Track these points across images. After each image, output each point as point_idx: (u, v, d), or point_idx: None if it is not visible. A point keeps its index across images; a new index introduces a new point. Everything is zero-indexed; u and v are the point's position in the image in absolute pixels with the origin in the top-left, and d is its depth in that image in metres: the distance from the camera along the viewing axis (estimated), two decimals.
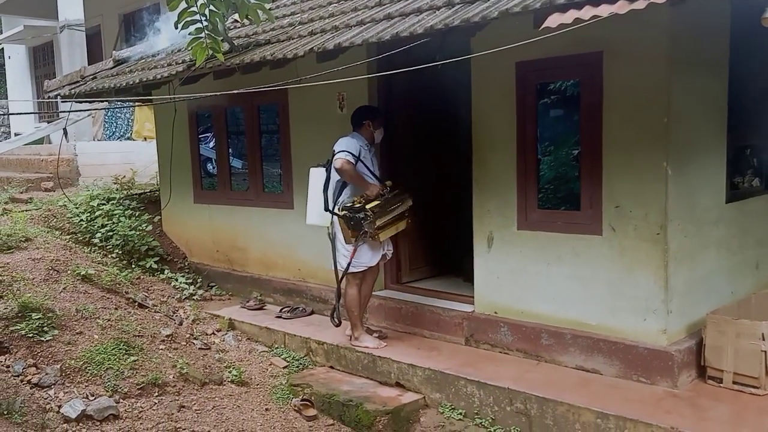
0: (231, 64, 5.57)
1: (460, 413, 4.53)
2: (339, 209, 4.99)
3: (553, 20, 3.40)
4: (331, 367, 5.40)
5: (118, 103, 9.65)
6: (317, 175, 5.19)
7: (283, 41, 5.52)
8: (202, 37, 5.11)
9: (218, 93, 5.55)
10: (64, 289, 5.60)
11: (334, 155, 4.95)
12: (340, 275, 5.16)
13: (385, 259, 5.35)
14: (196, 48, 5.14)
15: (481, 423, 4.41)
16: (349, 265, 5.07)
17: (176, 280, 7.23)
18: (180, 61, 6.40)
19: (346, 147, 4.95)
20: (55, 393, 4.48)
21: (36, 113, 15.13)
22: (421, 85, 5.34)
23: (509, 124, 4.79)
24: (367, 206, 4.88)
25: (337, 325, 5.29)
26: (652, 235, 4.18)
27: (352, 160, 4.91)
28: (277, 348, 5.83)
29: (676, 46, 4.10)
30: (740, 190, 4.93)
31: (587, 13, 3.30)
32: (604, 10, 3.25)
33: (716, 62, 4.55)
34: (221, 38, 5.46)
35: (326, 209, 5.08)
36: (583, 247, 4.49)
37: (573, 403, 4.03)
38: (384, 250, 5.24)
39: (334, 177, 5.03)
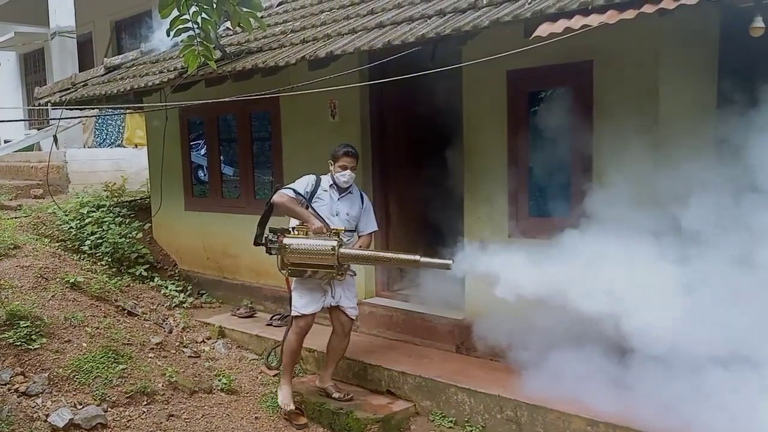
0: (223, 71, 5.57)
1: (451, 421, 4.53)
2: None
3: (544, 30, 3.43)
4: None
5: (109, 110, 9.62)
6: None
7: (275, 49, 5.53)
8: (194, 45, 5.12)
9: (210, 101, 5.55)
10: (52, 296, 5.56)
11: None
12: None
13: (344, 317, 4.82)
14: (188, 55, 5.14)
15: (471, 431, 4.40)
16: (292, 307, 4.76)
17: (166, 287, 7.20)
18: (171, 69, 6.39)
19: (294, 184, 4.74)
20: (42, 402, 4.43)
21: (26, 120, 15.05)
22: (414, 93, 5.35)
23: (500, 132, 4.81)
24: (289, 234, 4.56)
25: (275, 368, 5.13)
26: None
27: (292, 195, 4.63)
28: (268, 356, 5.80)
29: (665, 54, 4.14)
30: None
31: (577, 22, 3.33)
32: (594, 20, 3.29)
33: (705, 70, 4.58)
34: (213, 46, 5.46)
35: (257, 243, 4.69)
36: None
37: (563, 411, 4.03)
38: (326, 302, 4.72)
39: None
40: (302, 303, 4.69)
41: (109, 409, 4.52)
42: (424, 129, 6.12)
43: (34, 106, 8.63)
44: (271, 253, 4.59)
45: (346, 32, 4.97)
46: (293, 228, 4.62)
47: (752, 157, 3.82)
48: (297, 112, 6.27)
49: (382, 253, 5.00)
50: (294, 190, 4.67)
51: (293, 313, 4.73)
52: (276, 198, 4.64)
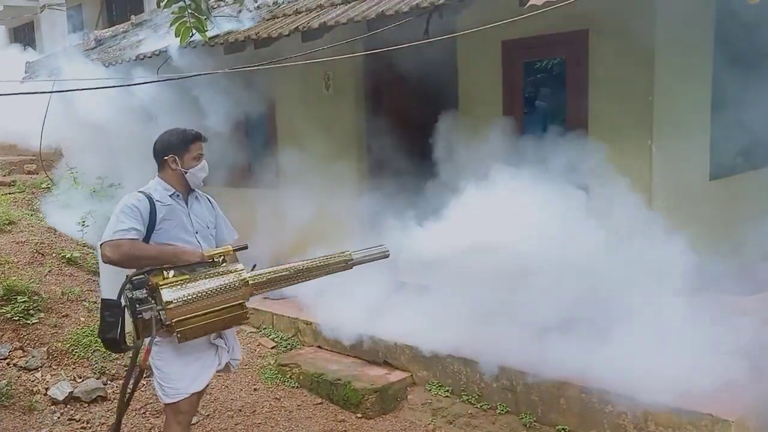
0: (215, 43, 5.51)
1: (447, 390, 4.58)
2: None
3: None
4: (319, 347, 5.42)
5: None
6: None
7: (267, 20, 5.47)
8: (185, 17, 5.05)
9: (201, 73, 5.49)
10: (49, 272, 5.57)
11: None
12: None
13: (229, 371, 3.44)
14: (179, 27, 5.07)
15: (467, 400, 4.46)
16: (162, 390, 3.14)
17: None
18: (162, 41, 6.32)
19: (121, 219, 2.97)
20: (42, 375, 4.47)
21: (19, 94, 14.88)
22: (409, 66, 5.30)
23: (495, 103, 4.79)
24: (163, 282, 2.93)
25: None
26: None
27: (133, 235, 2.95)
28: (265, 329, 5.83)
29: (661, 22, 4.10)
30: (724, 167, 4.96)
31: None
32: None
33: (701, 38, 4.56)
34: (205, 17, 5.38)
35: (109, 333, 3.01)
36: None
37: (557, 378, 4.07)
38: (220, 360, 3.26)
39: None
40: (188, 379, 3.13)
41: (109, 382, 4.57)
42: (420, 100, 6.08)
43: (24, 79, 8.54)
44: (146, 334, 2.91)
45: (340, 2, 4.91)
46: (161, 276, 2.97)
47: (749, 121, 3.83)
48: (290, 85, 6.22)
49: (305, 263, 3.31)
50: (130, 228, 2.97)
51: (171, 400, 3.12)
52: (108, 253, 2.94)
